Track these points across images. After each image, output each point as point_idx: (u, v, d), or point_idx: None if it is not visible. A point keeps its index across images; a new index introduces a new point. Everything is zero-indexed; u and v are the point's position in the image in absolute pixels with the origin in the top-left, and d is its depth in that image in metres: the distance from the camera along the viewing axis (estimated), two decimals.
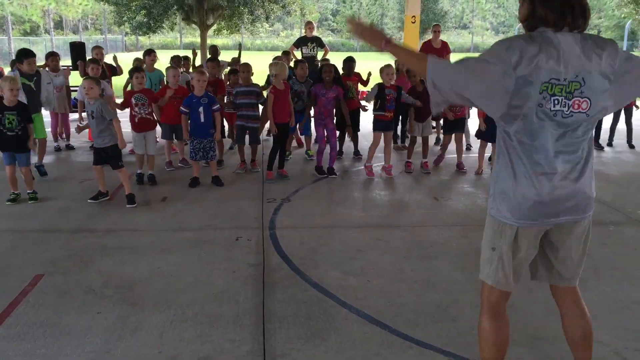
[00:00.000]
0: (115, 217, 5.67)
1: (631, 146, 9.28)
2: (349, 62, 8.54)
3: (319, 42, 10.86)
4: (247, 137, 7.64)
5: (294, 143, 8.88)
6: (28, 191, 6.13)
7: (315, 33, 11.23)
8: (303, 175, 7.37)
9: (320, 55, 10.44)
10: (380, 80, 7.18)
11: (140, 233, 5.24)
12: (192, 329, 3.49)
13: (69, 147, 8.84)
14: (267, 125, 7.27)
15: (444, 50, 10.20)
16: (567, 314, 2.59)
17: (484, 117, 7.40)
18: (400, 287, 4.12)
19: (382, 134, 7.24)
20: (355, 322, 3.61)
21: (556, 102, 2.20)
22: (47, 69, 8.57)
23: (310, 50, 10.68)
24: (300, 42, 10.87)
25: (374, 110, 7.24)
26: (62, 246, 4.86)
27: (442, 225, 5.54)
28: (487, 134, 7.25)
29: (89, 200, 5.99)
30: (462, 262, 4.58)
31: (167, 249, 4.82)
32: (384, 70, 7.13)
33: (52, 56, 8.89)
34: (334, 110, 7.45)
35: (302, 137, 9.01)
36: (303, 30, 10.92)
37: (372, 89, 7.35)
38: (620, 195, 6.49)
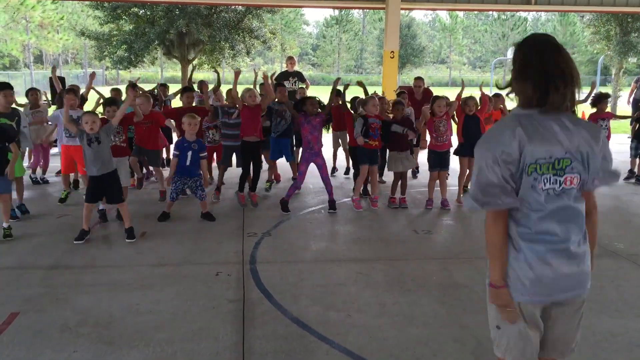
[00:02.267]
0: (93, 252, 5.60)
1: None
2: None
3: (300, 77, 11.00)
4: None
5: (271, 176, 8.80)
6: (4, 225, 5.97)
7: (296, 68, 11.38)
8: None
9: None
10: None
11: (118, 269, 5.17)
12: None
13: (44, 181, 8.75)
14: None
15: (425, 95, 9.82)
16: None
17: (461, 132, 7.55)
18: (381, 322, 4.10)
19: (368, 167, 7.22)
20: (336, 358, 3.58)
21: (546, 180, 2.22)
22: (26, 106, 8.58)
23: (292, 85, 10.79)
24: (281, 77, 10.99)
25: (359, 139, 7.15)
26: (38, 283, 4.77)
27: (422, 259, 5.56)
28: (465, 148, 7.37)
29: (75, 242, 5.83)
30: (443, 295, 4.59)
31: (146, 285, 4.76)
32: (369, 101, 7.15)
33: (32, 91, 8.87)
34: (321, 137, 7.22)
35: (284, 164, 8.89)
36: (284, 65, 11.09)
37: (357, 122, 7.26)
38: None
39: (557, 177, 2.23)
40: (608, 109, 9.22)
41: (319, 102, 7.40)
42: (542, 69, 2.20)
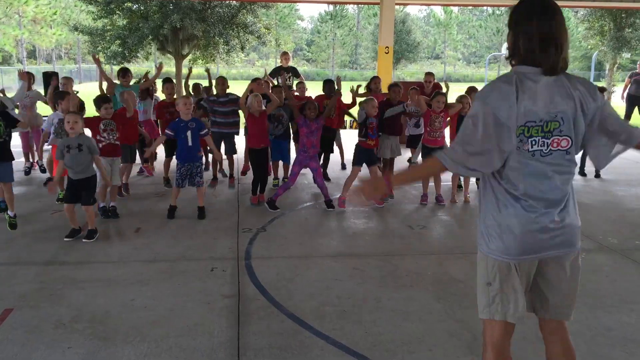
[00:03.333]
0: (87, 249, 5.58)
1: (597, 175, 9.42)
2: (329, 84, 8.59)
3: (294, 72, 10.98)
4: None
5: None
6: (10, 214, 5.97)
7: (290, 63, 11.36)
8: (279, 204, 7.33)
9: (295, 84, 10.52)
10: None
11: (113, 265, 5.15)
12: None
13: (42, 169, 8.73)
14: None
15: (435, 89, 9.95)
16: (552, 347, 2.57)
17: (454, 131, 7.58)
18: (376, 317, 4.10)
19: (361, 168, 7.11)
20: (331, 353, 3.58)
21: (534, 142, 2.26)
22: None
23: (286, 80, 10.76)
24: (276, 72, 10.97)
25: (359, 136, 7.20)
26: (32, 279, 4.75)
27: (417, 254, 5.56)
28: None
29: (65, 239, 5.79)
30: (438, 290, 4.60)
31: (141, 281, 4.74)
32: (369, 102, 7.07)
33: (25, 73, 8.86)
34: (318, 143, 7.22)
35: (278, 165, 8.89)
36: (278, 60, 11.07)
37: (359, 113, 7.29)
38: (591, 223, 6.60)
39: (545, 139, 2.26)
40: None
41: (318, 107, 7.31)
42: (540, 30, 2.25)
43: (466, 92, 8.74)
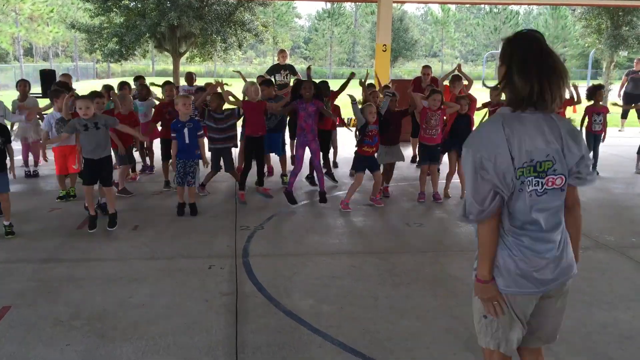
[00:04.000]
0: (85, 246, 5.58)
1: (595, 173, 9.46)
2: (324, 84, 8.33)
3: (291, 70, 10.98)
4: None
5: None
6: (5, 223, 5.88)
7: (288, 61, 11.36)
8: (276, 201, 7.35)
9: (291, 82, 10.50)
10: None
11: (111, 262, 5.16)
12: None
13: (35, 174, 8.71)
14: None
15: (432, 83, 9.97)
16: None
17: (449, 129, 7.58)
18: (374, 314, 4.12)
19: (364, 174, 7.02)
20: (329, 351, 3.60)
21: (529, 183, 2.25)
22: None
23: (284, 78, 10.77)
24: (273, 70, 10.97)
25: (357, 143, 7.07)
26: (30, 277, 4.75)
27: (415, 252, 5.58)
28: (453, 144, 7.38)
29: (89, 231, 5.86)
30: (435, 288, 4.61)
31: (138, 279, 4.75)
32: (366, 109, 6.93)
33: (21, 82, 8.86)
34: (316, 126, 7.17)
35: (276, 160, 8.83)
36: (276, 58, 11.09)
37: (357, 118, 7.17)
38: (588, 221, 6.60)
39: (539, 179, 2.26)
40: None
41: (316, 86, 7.24)
42: (539, 68, 2.21)
43: (450, 81, 8.88)
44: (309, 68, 8.73)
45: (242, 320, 3.98)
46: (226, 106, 7.70)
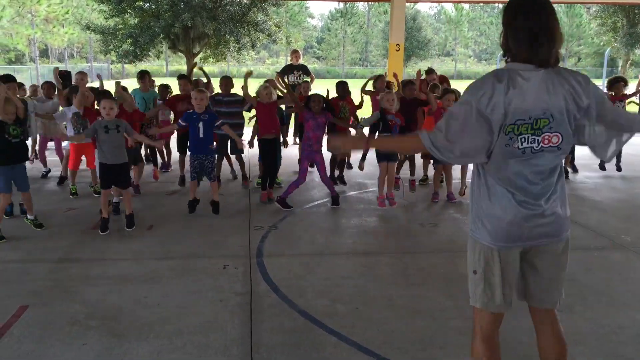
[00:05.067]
0: (100, 246, 5.63)
1: (619, 169, 9.36)
2: (342, 85, 8.42)
3: (304, 70, 10.99)
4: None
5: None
6: (30, 217, 6.09)
7: (301, 61, 11.38)
8: (289, 201, 7.35)
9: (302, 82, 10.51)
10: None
11: (126, 262, 5.19)
12: None
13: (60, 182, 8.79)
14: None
15: (444, 82, 9.96)
16: (542, 337, 2.61)
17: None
18: (388, 314, 4.11)
19: (387, 164, 6.94)
20: (344, 351, 3.60)
21: (523, 140, 2.29)
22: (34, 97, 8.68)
23: (297, 78, 10.78)
24: (286, 70, 10.99)
25: (378, 133, 6.91)
26: (46, 276, 4.80)
27: (429, 252, 5.56)
28: None
29: (101, 233, 5.90)
30: (449, 288, 4.59)
31: (153, 278, 4.78)
32: (384, 97, 6.89)
33: (46, 84, 9.07)
34: (323, 138, 7.06)
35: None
36: (289, 58, 11.11)
37: (372, 114, 7.18)
38: (604, 221, 6.56)
39: (535, 136, 2.29)
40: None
41: (325, 99, 7.28)
42: (527, 26, 2.28)
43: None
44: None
45: (257, 320, 3.99)
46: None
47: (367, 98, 9.06)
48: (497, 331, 2.58)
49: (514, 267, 2.47)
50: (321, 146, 7.05)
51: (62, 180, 8.21)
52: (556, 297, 2.56)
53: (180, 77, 8.79)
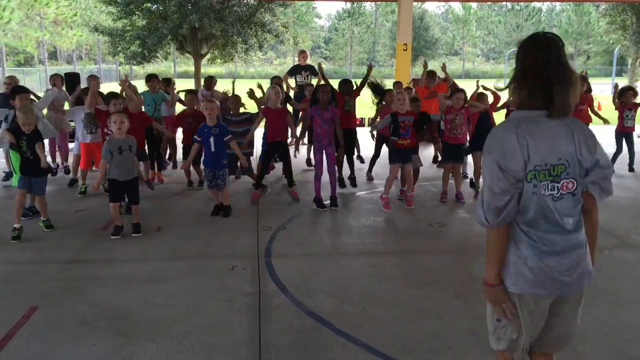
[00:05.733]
0: (109, 247, 5.65)
1: (631, 169, 9.32)
2: (347, 85, 8.36)
3: (312, 71, 10.97)
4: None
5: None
6: (42, 218, 6.13)
7: (308, 61, 11.38)
8: (298, 202, 7.37)
9: (314, 82, 10.50)
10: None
11: (134, 263, 5.22)
12: None
13: (66, 171, 8.86)
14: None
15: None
16: None
17: (474, 127, 7.55)
18: (396, 315, 4.11)
19: (400, 166, 6.91)
20: (352, 351, 3.60)
21: (545, 187, 2.25)
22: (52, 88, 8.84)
23: (305, 79, 10.78)
24: (294, 71, 10.99)
25: (390, 135, 6.94)
26: (56, 277, 4.83)
27: (437, 252, 5.55)
28: (479, 142, 7.36)
29: (112, 237, 5.88)
30: (457, 289, 4.58)
31: (162, 279, 4.80)
32: (395, 97, 6.83)
33: (54, 76, 9.12)
34: (332, 131, 7.06)
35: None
36: (296, 59, 11.10)
37: (384, 118, 7.16)
38: (614, 220, 6.52)
39: (555, 183, 2.26)
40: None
41: (332, 90, 7.22)
42: (546, 73, 2.21)
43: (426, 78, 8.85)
44: (319, 66, 8.81)
45: (265, 321, 4.00)
46: (246, 110, 7.81)
47: (365, 96, 8.98)
48: None
49: (542, 315, 2.41)
50: (331, 140, 7.01)
51: (72, 182, 8.25)
52: (568, 342, 2.53)
53: (189, 92, 8.72)
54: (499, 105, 8.16)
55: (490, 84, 8.40)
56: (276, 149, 7.38)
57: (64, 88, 9.32)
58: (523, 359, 2.52)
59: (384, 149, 8.11)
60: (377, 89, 8.44)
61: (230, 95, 8.66)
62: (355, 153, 9.33)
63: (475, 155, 7.66)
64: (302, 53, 11.37)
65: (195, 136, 6.83)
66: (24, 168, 5.98)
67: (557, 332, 2.48)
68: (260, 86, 7.97)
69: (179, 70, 52.26)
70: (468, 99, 7.55)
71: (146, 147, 7.85)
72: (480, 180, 2.38)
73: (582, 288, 2.40)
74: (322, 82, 8.39)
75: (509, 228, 2.31)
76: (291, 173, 7.57)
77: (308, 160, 9.47)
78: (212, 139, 6.62)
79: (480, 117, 7.57)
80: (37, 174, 5.95)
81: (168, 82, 9.63)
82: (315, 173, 7.15)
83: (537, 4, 62.08)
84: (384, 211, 6.87)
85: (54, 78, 9.06)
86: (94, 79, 7.82)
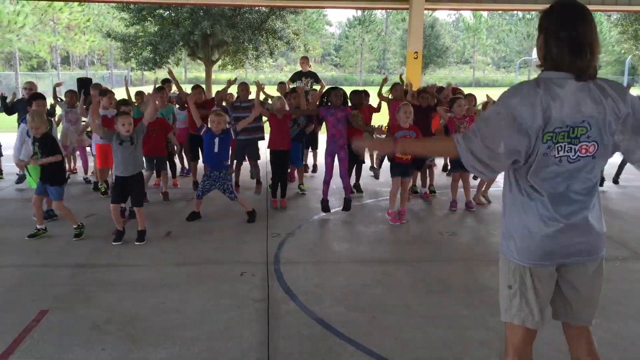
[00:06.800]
0: (119, 252, 5.67)
1: (615, 181, 9.19)
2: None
3: (314, 77, 10.97)
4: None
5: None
6: (73, 226, 6.09)
7: (319, 68, 11.37)
8: (307, 208, 7.37)
9: (317, 89, 10.46)
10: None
11: (144, 268, 5.23)
12: None
13: (87, 181, 8.94)
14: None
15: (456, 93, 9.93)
16: (577, 354, 2.55)
17: None
18: (405, 323, 4.09)
19: (400, 179, 6.81)
20: (361, 359, 3.58)
21: (560, 148, 2.23)
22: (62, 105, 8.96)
23: (306, 85, 10.77)
24: (295, 77, 10.97)
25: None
26: (66, 281, 4.85)
27: (447, 260, 5.53)
28: None
29: (113, 243, 5.88)
30: (467, 297, 4.56)
31: (171, 284, 4.81)
32: (401, 108, 6.74)
33: (69, 92, 9.15)
34: (346, 132, 6.97)
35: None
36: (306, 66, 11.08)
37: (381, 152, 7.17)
38: (626, 231, 6.48)
39: (572, 145, 2.24)
40: None
41: (344, 94, 7.20)
42: (572, 35, 2.23)
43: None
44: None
45: (274, 327, 3.99)
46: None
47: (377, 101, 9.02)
48: (531, 348, 2.53)
49: (550, 284, 2.41)
50: (346, 142, 6.92)
51: (96, 185, 8.35)
52: (592, 314, 2.50)
53: (195, 87, 8.77)
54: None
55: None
56: (279, 156, 7.34)
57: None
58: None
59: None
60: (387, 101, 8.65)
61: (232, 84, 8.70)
62: (369, 163, 9.36)
63: None
64: (303, 59, 11.37)
65: (201, 129, 6.76)
66: (41, 175, 6.00)
67: (575, 304, 2.46)
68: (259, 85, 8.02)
69: (190, 76, 52.54)
70: (478, 106, 7.49)
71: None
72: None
73: (596, 258, 2.37)
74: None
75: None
76: (285, 185, 7.52)
77: (305, 166, 9.39)
78: (216, 140, 6.61)
79: None
80: (53, 182, 5.94)
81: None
82: (324, 176, 7.12)
83: None
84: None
85: (69, 95, 9.07)
86: (96, 95, 7.83)
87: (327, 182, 7.10)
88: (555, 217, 2.29)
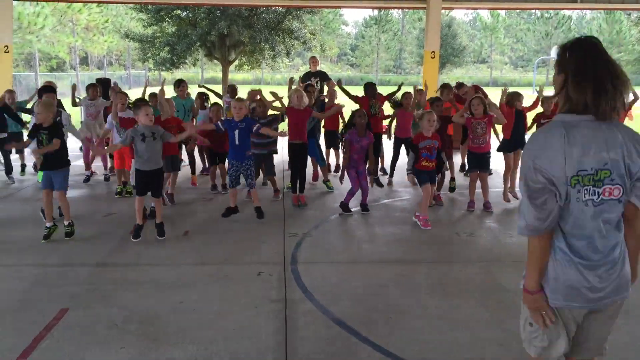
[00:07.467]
0: (137, 251, 5.71)
1: None
2: (371, 87, 8.58)
3: (323, 77, 10.98)
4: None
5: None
6: (65, 223, 6.12)
7: (334, 68, 11.37)
8: (324, 208, 7.37)
9: (325, 90, 10.41)
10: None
11: (162, 267, 5.26)
12: None
13: (107, 179, 9.02)
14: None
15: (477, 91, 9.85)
16: None
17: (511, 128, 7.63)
18: (423, 324, 4.07)
19: (429, 184, 6.78)
20: None
21: (586, 191, 2.20)
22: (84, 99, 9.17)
23: (315, 85, 10.75)
24: (305, 77, 10.97)
25: (415, 160, 6.95)
26: (85, 280, 4.90)
27: (465, 262, 5.50)
28: (511, 144, 7.50)
29: (133, 240, 5.94)
30: (485, 299, 4.53)
31: (189, 284, 4.83)
32: (425, 116, 6.69)
33: (92, 87, 9.27)
34: (365, 157, 7.20)
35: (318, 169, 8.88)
36: (323, 65, 11.10)
37: (409, 155, 7.34)
38: None
39: (596, 188, 2.20)
40: None
41: (366, 114, 7.16)
42: (596, 75, 2.16)
43: (442, 86, 9.12)
44: (339, 81, 8.83)
45: (292, 328, 4.00)
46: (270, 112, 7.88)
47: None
48: None
49: (574, 325, 2.39)
50: (364, 165, 7.18)
51: (106, 178, 8.49)
52: (603, 348, 2.50)
53: (215, 103, 8.77)
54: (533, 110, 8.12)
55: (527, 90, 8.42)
56: (295, 150, 7.43)
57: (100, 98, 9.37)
58: None
59: (402, 150, 8.50)
60: (397, 104, 8.70)
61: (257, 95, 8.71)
62: (379, 164, 9.33)
63: (507, 157, 7.74)
64: (312, 59, 11.40)
65: (218, 123, 6.83)
66: (44, 164, 6.03)
67: (590, 343, 2.45)
68: (275, 95, 8.06)
69: (207, 76, 52.78)
70: (495, 106, 7.39)
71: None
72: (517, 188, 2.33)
73: (618, 301, 2.35)
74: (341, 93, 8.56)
75: (550, 237, 2.27)
76: (304, 179, 7.61)
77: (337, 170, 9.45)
78: (237, 132, 6.63)
79: (517, 115, 7.63)
80: (56, 167, 6.00)
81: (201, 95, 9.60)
82: (350, 188, 7.14)
83: (567, 12, 61.32)
84: (413, 222, 6.77)
85: (91, 89, 9.18)
86: (116, 95, 7.92)
87: (352, 194, 7.17)
88: (584, 265, 2.26)
